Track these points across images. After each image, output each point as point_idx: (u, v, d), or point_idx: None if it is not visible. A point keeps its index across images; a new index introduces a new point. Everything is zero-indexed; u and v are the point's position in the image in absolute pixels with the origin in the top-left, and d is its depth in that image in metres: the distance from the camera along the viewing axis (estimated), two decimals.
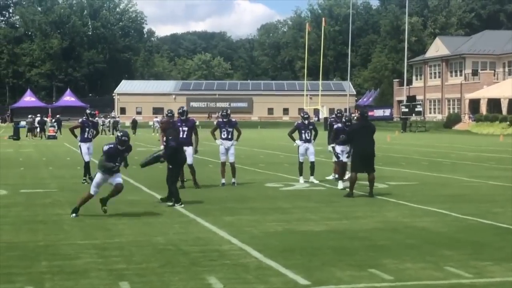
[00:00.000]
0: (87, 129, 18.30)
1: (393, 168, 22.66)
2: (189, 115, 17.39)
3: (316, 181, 17.93)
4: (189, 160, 16.16)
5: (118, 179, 12.33)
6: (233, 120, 17.96)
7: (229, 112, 17.97)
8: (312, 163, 18.30)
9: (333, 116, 19.72)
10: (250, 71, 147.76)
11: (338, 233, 10.56)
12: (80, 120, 19.00)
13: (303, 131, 18.34)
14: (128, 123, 65.82)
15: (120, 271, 7.98)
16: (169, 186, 13.58)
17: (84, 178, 18.03)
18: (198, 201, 14.06)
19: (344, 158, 16.82)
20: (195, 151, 17.08)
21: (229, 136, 17.54)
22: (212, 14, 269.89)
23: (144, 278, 7.62)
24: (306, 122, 18.36)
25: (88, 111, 19.13)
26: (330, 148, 18.17)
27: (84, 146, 18.18)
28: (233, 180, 17.43)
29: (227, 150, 17.46)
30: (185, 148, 15.16)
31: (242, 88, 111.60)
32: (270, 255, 8.84)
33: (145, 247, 9.38)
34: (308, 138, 18.31)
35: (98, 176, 12.28)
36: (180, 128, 16.18)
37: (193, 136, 16.83)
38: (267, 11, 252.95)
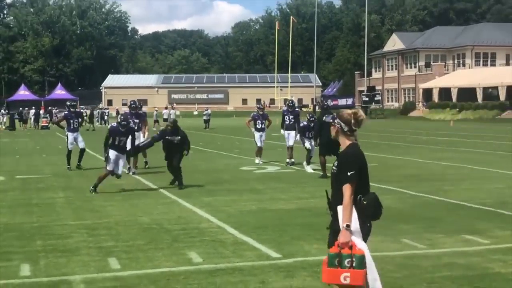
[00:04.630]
0: (71, 120, 17.99)
1: None
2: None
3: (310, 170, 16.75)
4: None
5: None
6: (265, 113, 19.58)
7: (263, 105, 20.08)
8: (291, 147, 18.39)
9: (286, 106, 19.76)
10: (225, 66, 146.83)
11: (306, 210, 10.61)
12: (63, 113, 18.77)
13: (286, 117, 18.41)
14: (115, 113, 65.19)
15: (109, 248, 7.95)
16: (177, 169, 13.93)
17: (68, 166, 17.72)
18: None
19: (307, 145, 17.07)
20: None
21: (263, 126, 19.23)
22: (193, 14, 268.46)
23: (131, 254, 7.59)
24: (291, 109, 18.50)
25: (68, 103, 18.75)
26: (282, 131, 18.72)
27: (71, 136, 17.87)
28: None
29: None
30: (136, 134, 15.87)
31: (218, 81, 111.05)
32: (245, 231, 8.86)
33: (131, 226, 9.34)
34: (291, 124, 18.35)
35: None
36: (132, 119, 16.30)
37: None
38: (243, 10, 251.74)
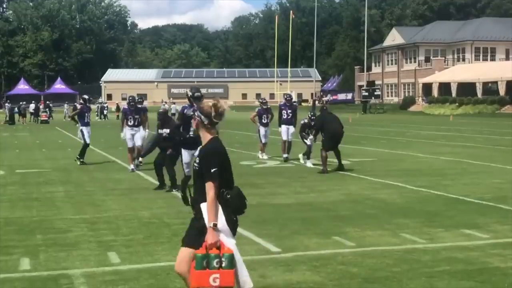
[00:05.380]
0: (86, 114, 18.09)
1: (355, 146, 22.79)
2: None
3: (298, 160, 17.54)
4: (139, 142, 16.02)
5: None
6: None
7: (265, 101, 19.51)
8: (289, 143, 18.28)
9: (284, 100, 19.43)
10: (225, 60, 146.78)
11: (306, 205, 10.61)
12: (79, 106, 18.69)
13: (283, 111, 18.28)
14: (114, 108, 65.16)
15: (109, 242, 7.95)
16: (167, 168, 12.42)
17: (82, 159, 17.63)
18: (179, 178, 13.99)
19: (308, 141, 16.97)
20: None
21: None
22: (193, 8, 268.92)
23: (131, 249, 7.60)
24: (288, 104, 18.40)
25: (86, 97, 18.85)
26: (279, 129, 18.45)
27: (86, 130, 17.87)
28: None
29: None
30: (136, 130, 15.85)
31: (218, 75, 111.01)
32: (244, 226, 8.84)
33: (131, 221, 9.35)
34: (288, 118, 18.23)
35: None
36: (132, 115, 16.13)
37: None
38: (243, 5, 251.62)
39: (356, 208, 10.30)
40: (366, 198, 11.26)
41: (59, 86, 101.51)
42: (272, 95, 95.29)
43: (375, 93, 73.86)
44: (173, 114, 51.66)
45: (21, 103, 56.99)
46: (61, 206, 10.71)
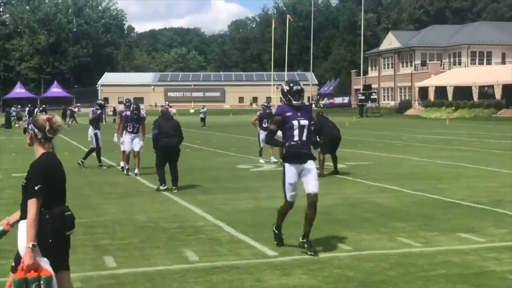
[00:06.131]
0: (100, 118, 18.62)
1: (351, 149, 22.79)
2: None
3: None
4: (137, 147, 15.95)
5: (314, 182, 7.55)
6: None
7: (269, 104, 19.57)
8: None
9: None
10: (222, 64, 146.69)
11: (302, 209, 10.59)
12: (98, 111, 18.82)
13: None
14: (111, 111, 64.98)
15: (105, 246, 7.95)
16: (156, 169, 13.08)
17: (100, 163, 17.76)
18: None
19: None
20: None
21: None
22: (190, 12, 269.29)
23: (127, 253, 7.59)
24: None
25: (102, 102, 19.27)
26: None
27: (99, 133, 18.08)
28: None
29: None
30: (135, 135, 15.83)
31: (215, 79, 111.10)
32: (241, 229, 8.86)
33: (127, 225, 9.34)
34: None
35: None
36: (132, 123, 15.98)
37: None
38: (240, 9, 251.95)
39: (353, 211, 10.30)
40: (363, 202, 11.27)
41: (55, 90, 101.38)
42: (269, 99, 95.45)
43: (372, 96, 73.83)
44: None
45: (15, 106, 56.94)
46: None
